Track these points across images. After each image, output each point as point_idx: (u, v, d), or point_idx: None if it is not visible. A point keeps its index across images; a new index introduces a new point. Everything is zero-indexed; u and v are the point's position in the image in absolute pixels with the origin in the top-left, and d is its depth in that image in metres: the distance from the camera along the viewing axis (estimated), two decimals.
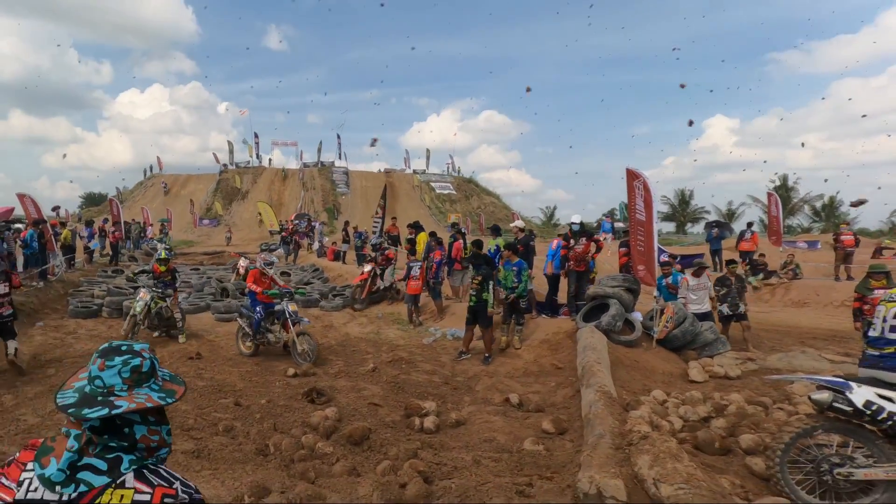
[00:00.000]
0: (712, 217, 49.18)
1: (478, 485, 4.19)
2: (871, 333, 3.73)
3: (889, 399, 3.38)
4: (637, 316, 8.54)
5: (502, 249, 9.32)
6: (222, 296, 13.33)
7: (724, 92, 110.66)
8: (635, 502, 3.66)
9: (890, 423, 3.34)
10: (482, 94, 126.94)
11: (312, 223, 28.19)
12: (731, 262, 10.44)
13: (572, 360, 7.52)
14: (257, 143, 53.77)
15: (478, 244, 9.85)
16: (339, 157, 53.68)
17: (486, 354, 8.48)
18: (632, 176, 8.27)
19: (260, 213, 38.25)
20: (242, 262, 15.54)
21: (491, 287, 8.25)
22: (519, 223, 11.54)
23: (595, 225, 27.53)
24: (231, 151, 53.48)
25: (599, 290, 8.66)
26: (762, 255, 16.59)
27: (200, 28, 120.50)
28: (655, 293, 8.53)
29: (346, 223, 23.27)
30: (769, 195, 19.63)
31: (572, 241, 9.50)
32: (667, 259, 14.63)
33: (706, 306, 9.16)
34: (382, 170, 54.75)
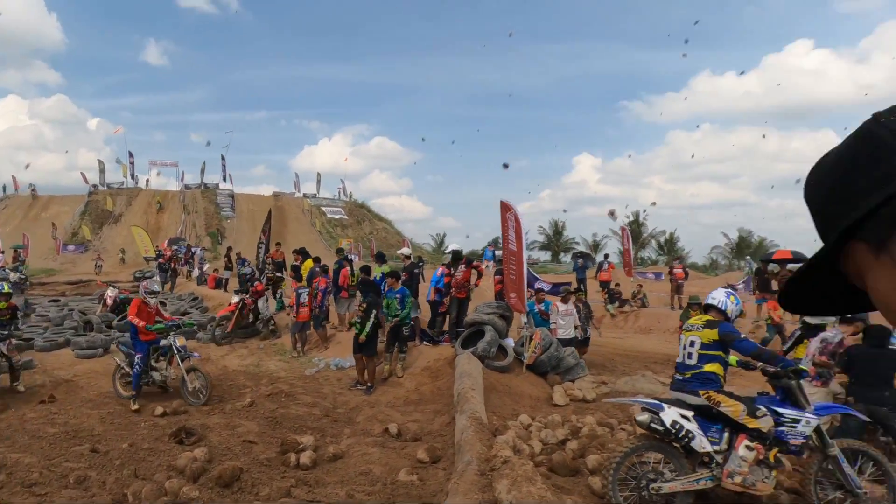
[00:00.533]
0: (581, 247, 53.00)
1: None
2: (678, 360, 4.22)
3: (687, 418, 3.85)
4: (510, 342, 8.95)
5: (386, 277, 9.38)
6: (85, 329, 12.08)
7: (589, 132, 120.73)
8: None
9: (686, 439, 3.80)
10: (373, 120, 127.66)
11: (192, 249, 26.45)
12: (577, 290, 11.36)
13: (451, 387, 7.68)
14: (132, 163, 49.48)
15: (366, 270, 9.83)
16: (224, 179, 50.87)
17: (369, 384, 8.44)
18: (505, 208, 8.72)
19: (122, 251, 34.76)
20: (111, 293, 14.23)
21: (374, 315, 8.27)
22: (405, 250, 11.64)
23: (480, 253, 28.50)
24: (102, 171, 48.65)
25: (476, 317, 8.98)
26: (617, 284, 18.12)
27: (67, 37, 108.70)
28: (523, 320, 8.99)
29: (229, 249, 22.13)
30: (622, 229, 21.45)
31: (452, 269, 9.76)
32: (541, 286, 15.53)
33: (571, 332, 9.79)
34: (272, 193, 52.73)
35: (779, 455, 3.92)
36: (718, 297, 4.25)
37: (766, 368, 4.05)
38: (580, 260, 18.93)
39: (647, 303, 17.72)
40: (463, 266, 9.68)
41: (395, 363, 9.24)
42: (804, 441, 3.90)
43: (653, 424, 3.87)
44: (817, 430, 3.92)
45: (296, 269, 13.26)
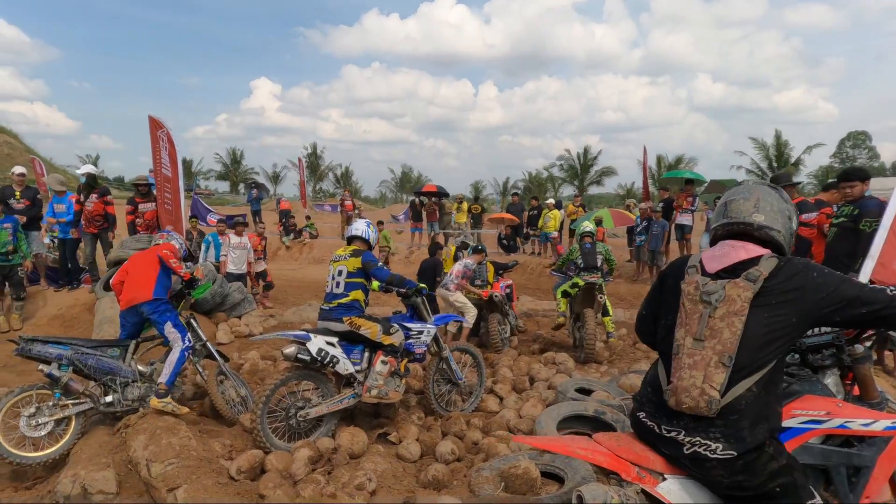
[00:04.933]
0: (261, 178, 50.81)
1: None
2: (326, 290, 4.30)
3: (332, 345, 4.00)
4: None
5: None
6: None
7: (266, 55, 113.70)
8: (129, 489, 3.32)
9: (332, 364, 3.96)
10: None
11: None
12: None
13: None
14: None
15: None
16: None
17: None
18: (155, 125, 7.29)
19: None
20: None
21: None
22: (19, 169, 8.67)
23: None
24: None
25: (122, 254, 7.53)
26: (293, 216, 18.01)
27: None
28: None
29: None
30: (299, 161, 21.27)
31: (82, 198, 7.93)
32: (216, 218, 14.17)
33: (244, 267, 9.16)
34: None
35: (408, 364, 4.41)
36: (360, 227, 4.49)
37: (399, 290, 4.43)
38: (254, 191, 18.05)
39: (315, 233, 18.03)
40: (95, 196, 7.95)
41: (10, 313, 7.22)
42: (426, 349, 4.49)
43: (300, 355, 3.86)
44: (435, 337, 4.54)
45: None
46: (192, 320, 4.51)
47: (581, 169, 44.65)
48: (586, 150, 44.93)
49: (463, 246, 7.30)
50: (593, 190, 46.55)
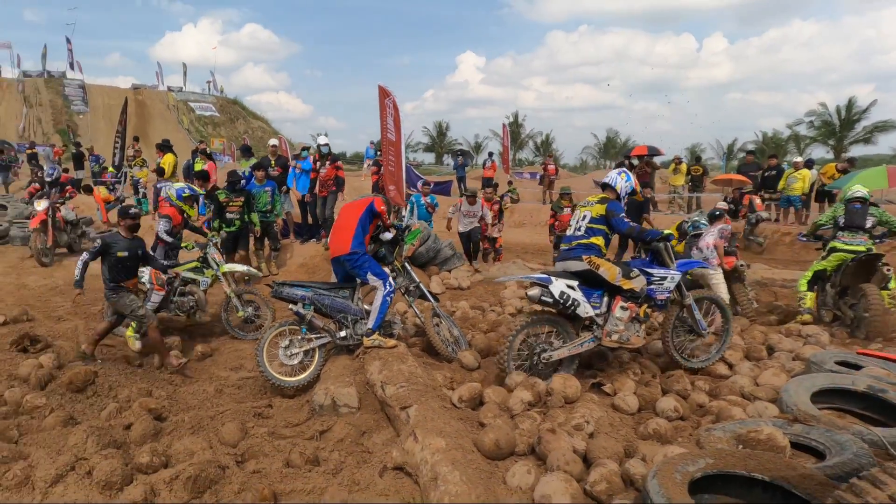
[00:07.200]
0: (465, 148, 53.26)
1: (215, 414, 3.96)
2: (567, 233, 4.36)
3: (572, 287, 4.02)
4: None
5: (254, 171, 8.62)
6: None
7: (472, 29, 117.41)
8: (367, 405, 3.85)
9: (573, 308, 4.00)
10: (243, 4, 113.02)
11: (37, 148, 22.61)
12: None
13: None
14: None
15: (232, 175, 9.01)
16: (72, 68, 42.80)
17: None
18: (383, 93, 8.08)
19: None
20: None
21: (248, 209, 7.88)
22: (273, 141, 10.50)
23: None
24: None
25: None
26: (495, 183, 18.43)
27: None
28: (403, 213, 8.79)
29: (77, 145, 19.21)
30: (503, 127, 21.69)
31: (318, 164, 9.15)
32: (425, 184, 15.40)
33: (469, 228, 9.90)
34: (130, 86, 45.74)
35: (647, 310, 4.21)
36: (611, 175, 4.40)
37: (641, 237, 4.28)
38: (460, 158, 18.96)
39: (515, 198, 18.16)
40: (328, 163, 9.13)
41: (269, 261, 8.81)
42: (668, 296, 4.23)
43: (543, 297, 3.98)
44: (678, 284, 4.26)
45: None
46: (406, 264, 4.97)
47: (841, 125, 36.91)
48: (851, 103, 36.81)
49: (693, 227, 6.77)
50: (857, 150, 37.96)
